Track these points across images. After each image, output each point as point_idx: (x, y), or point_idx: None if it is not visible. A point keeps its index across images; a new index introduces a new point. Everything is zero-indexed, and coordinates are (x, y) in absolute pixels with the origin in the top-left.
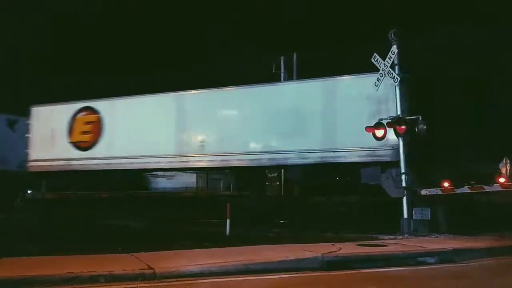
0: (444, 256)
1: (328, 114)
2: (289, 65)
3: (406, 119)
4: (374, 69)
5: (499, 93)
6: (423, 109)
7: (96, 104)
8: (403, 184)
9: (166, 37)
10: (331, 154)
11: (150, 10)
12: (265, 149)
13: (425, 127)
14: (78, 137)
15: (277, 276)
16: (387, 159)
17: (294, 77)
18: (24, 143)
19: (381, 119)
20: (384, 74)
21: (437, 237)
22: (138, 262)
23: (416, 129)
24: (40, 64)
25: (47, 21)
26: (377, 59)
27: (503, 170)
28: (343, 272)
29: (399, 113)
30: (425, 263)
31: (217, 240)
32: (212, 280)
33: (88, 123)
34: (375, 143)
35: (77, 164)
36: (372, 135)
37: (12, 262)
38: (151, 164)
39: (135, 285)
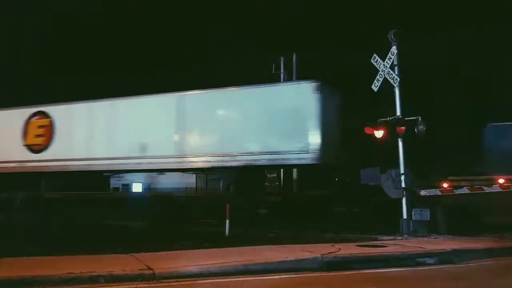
0: (443, 257)
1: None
2: (288, 65)
3: (406, 119)
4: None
5: (499, 93)
6: (422, 109)
7: (48, 109)
8: (403, 185)
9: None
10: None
11: (150, 10)
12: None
13: (425, 127)
14: (32, 140)
15: (276, 277)
16: (308, 161)
17: (294, 77)
18: None
19: (381, 120)
20: (384, 75)
21: (436, 237)
22: (138, 263)
23: (415, 129)
24: (40, 64)
25: (47, 21)
26: (377, 59)
27: None
28: (343, 273)
29: (398, 114)
30: (424, 264)
31: (217, 241)
32: (211, 280)
33: (41, 126)
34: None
35: (29, 166)
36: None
37: (12, 262)
38: (103, 166)
39: (135, 286)
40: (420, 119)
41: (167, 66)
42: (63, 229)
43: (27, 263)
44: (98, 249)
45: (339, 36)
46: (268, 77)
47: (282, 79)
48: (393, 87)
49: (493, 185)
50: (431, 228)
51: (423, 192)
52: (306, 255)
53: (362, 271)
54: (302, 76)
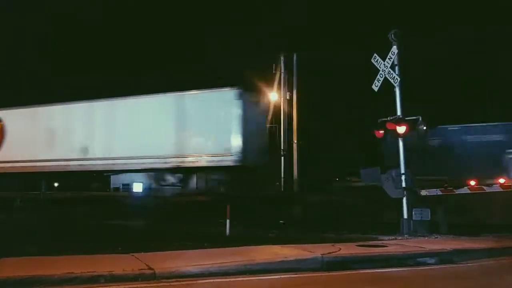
0: (443, 257)
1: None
2: (289, 65)
3: (407, 119)
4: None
5: (499, 93)
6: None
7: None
8: (403, 184)
9: (166, 37)
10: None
11: (150, 10)
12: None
13: (425, 127)
14: None
15: (277, 277)
16: (230, 163)
17: (294, 77)
18: None
19: (382, 120)
20: (384, 74)
21: (436, 237)
22: (138, 262)
23: (416, 129)
24: (40, 64)
25: (47, 21)
26: (377, 59)
27: None
28: (343, 273)
29: (399, 113)
30: (424, 264)
31: (217, 240)
32: (212, 280)
33: None
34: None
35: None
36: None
37: (12, 262)
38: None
39: (135, 286)
40: (420, 119)
41: (167, 66)
42: (63, 229)
43: (27, 263)
44: (98, 249)
45: (339, 36)
46: (268, 77)
47: (282, 79)
48: (394, 86)
49: (494, 185)
50: (431, 228)
51: (423, 192)
52: (306, 255)
53: (362, 271)
54: (302, 76)
